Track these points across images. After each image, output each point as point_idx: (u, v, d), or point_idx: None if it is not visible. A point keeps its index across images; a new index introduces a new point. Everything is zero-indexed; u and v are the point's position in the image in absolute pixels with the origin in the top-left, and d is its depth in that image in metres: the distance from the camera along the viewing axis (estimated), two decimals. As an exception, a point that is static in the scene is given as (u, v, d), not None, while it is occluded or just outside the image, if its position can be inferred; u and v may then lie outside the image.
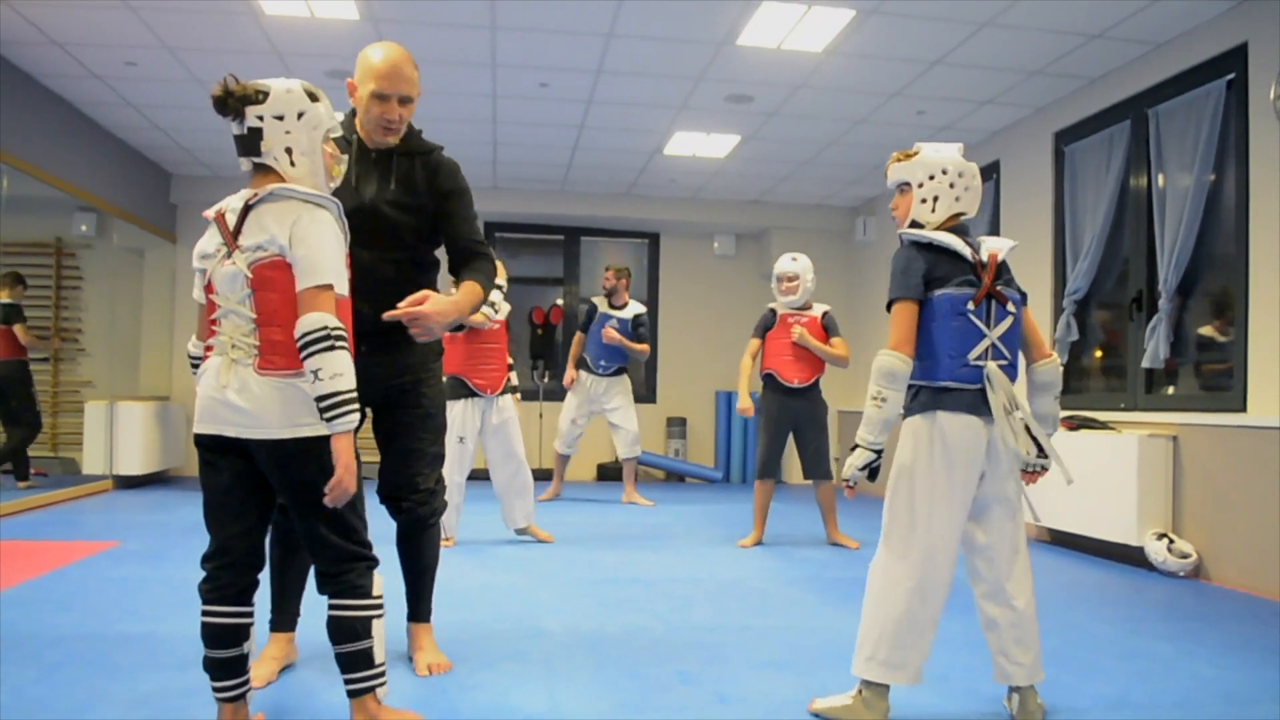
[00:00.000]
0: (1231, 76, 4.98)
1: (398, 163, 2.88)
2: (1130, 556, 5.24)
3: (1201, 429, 5.00)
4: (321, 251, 2.16)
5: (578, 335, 7.68)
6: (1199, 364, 5.35)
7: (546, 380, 9.88)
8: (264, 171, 2.24)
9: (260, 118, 2.19)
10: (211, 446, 2.24)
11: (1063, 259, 6.39)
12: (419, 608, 3.12)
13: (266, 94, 2.20)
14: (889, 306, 2.65)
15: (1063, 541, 5.93)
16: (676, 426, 10.11)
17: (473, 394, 5.43)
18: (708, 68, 6.10)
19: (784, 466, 8.25)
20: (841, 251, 10.03)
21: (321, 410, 2.10)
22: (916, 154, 2.77)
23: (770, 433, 5.74)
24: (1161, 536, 5.02)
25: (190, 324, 8.99)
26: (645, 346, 7.57)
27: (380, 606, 2.33)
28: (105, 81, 6.50)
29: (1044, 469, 2.81)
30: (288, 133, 2.21)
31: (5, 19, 5.43)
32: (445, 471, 3.10)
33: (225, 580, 2.28)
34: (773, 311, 5.84)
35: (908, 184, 2.77)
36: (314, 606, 3.12)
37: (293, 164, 2.23)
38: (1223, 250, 5.12)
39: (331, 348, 2.09)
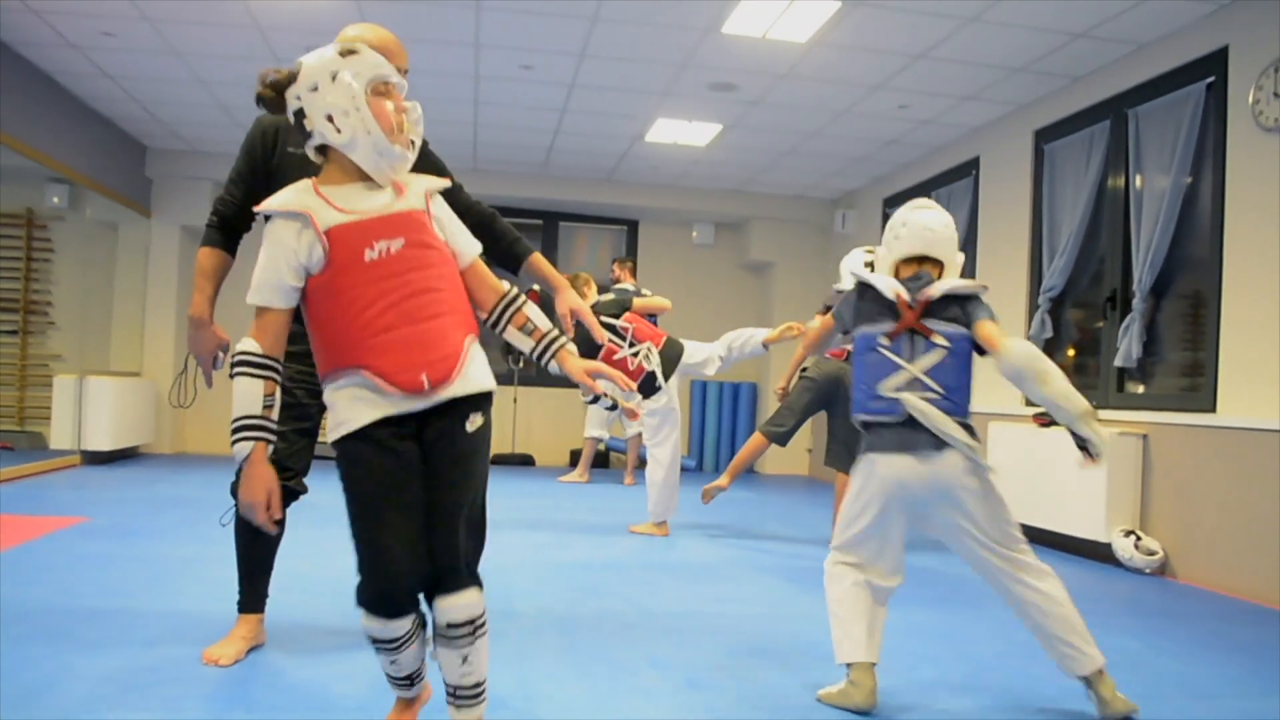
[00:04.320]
0: (1211, 80, 5.02)
1: None
2: (1098, 553, 5.30)
3: (1171, 428, 5.05)
4: (256, 269, 2.05)
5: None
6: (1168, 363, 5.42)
7: (521, 366, 9.88)
8: (325, 154, 2.11)
9: (299, 98, 2.06)
10: None
11: (1039, 256, 6.43)
12: None
13: (299, 71, 2.07)
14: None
15: (1031, 537, 5.91)
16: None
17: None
18: (692, 55, 6.09)
19: (766, 461, 8.25)
20: (820, 243, 10.05)
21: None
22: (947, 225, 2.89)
23: (801, 396, 5.49)
24: (1129, 534, 5.07)
25: (163, 298, 8.97)
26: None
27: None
28: (81, 51, 6.40)
29: (1091, 454, 2.86)
30: (326, 99, 2.03)
31: (-20, -16, 5.35)
32: None
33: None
34: None
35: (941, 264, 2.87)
36: (282, 587, 3.11)
37: (338, 130, 2.03)
38: (1197, 252, 5.17)
39: (233, 375, 2.03)
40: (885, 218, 8.83)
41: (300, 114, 2.06)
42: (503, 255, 3.08)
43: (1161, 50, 5.36)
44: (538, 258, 3.08)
